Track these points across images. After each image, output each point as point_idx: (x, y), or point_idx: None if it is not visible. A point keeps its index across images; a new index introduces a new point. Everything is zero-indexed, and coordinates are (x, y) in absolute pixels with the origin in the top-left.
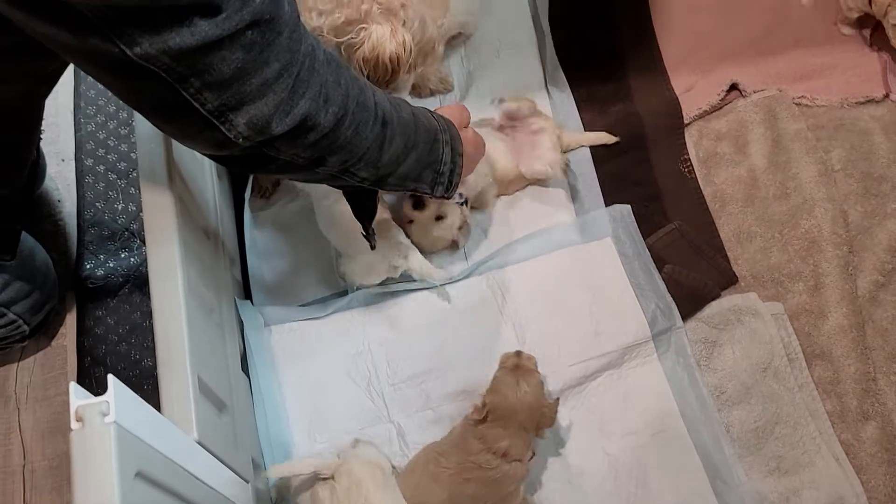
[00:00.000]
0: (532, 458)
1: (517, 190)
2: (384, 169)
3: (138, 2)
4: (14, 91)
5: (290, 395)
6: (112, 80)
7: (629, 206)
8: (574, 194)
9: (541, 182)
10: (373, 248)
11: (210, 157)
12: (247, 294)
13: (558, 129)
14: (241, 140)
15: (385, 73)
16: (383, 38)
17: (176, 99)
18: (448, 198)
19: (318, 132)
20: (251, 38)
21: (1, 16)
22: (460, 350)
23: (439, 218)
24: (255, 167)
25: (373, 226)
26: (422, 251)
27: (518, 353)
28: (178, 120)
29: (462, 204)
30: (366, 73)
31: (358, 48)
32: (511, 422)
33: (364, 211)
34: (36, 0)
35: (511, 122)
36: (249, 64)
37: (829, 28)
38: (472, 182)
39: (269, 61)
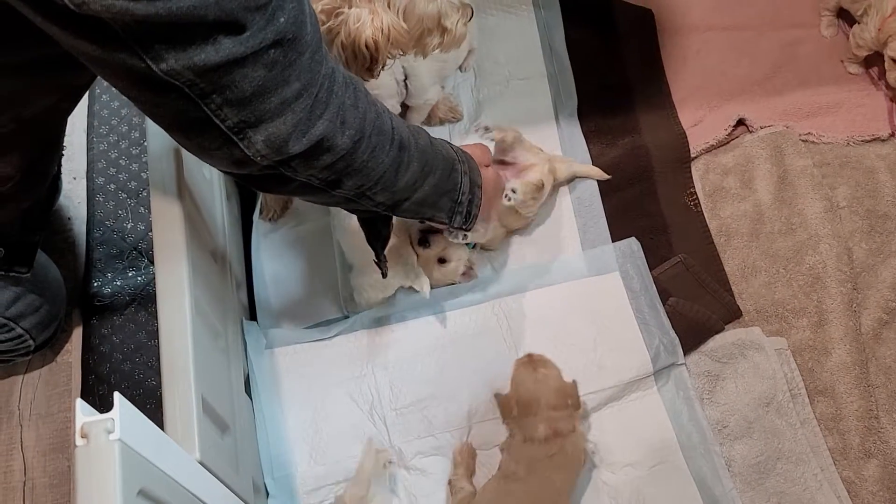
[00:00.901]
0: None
1: (520, 227)
2: (400, 194)
3: (166, 19)
4: (42, 105)
5: (293, 417)
6: (137, 93)
7: (637, 240)
8: (580, 226)
9: (525, 229)
10: (384, 276)
11: (229, 174)
12: (252, 316)
13: (551, 162)
14: (258, 158)
15: (364, 61)
16: (361, 21)
17: (197, 114)
18: (467, 230)
19: (334, 154)
20: (273, 56)
21: (37, 29)
22: (463, 376)
23: (442, 261)
24: (272, 187)
25: (385, 253)
26: None
27: (529, 355)
28: (199, 136)
29: (470, 247)
30: (345, 62)
31: (336, 35)
32: (539, 407)
33: (378, 237)
34: (69, 15)
35: (503, 158)
36: (270, 82)
37: (836, 67)
38: (482, 229)
39: (290, 81)
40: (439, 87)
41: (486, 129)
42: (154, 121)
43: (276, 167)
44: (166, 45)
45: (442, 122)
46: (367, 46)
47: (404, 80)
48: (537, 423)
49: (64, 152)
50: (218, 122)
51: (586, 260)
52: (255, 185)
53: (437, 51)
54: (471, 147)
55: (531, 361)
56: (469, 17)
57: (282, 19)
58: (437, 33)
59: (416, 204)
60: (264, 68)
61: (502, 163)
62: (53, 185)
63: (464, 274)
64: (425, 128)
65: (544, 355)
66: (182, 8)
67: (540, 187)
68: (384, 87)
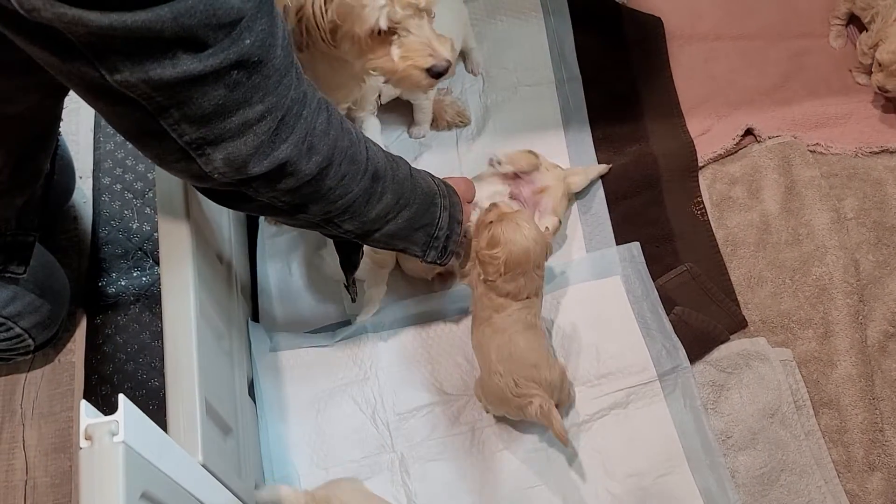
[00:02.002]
0: None
1: None
2: (371, 224)
3: (121, 32)
4: (25, 102)
5: (296, 420)
6: (93, 101)
7: (638, 243)
8: (586, 233)
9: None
10: (353, 300)
11: (193, 186)
12: (256, 319)
13: (565, 175)
14: (216, 175)
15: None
16: None
17: (154, 127)
18: (442, 265)
19: (297, 179)
20: (236, 77)
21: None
22: (467, 382)
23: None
24: (235, 204)
25: (355, 279)
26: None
27: (495, 205)
28: (157, 147)
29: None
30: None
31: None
32: (525, 265)
33: (348, 263)
34: (21, 20)
35: (517, 177)
36: (231, 102)
37: (844, 77)
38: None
39: (253, 103)
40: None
41: (499, 162)
42: (113, 128)
43: (237, 186)
44: (121, 56)
45: (450, 127)
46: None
47: None
48: (521, 285)
49: (61, 151)
50: (175, 136)
51: (588, 264)
52: (217, 200)
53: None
54: (455, 181)
55: (510, 217)
56: None
57: (248, 41)
58: None
59: (387, 235)
60: (225, 88)
61: (516, 176)
62: (48, 183)
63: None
64: (433, 132)
65: (510, 204)
66: (137, 22)
67: (557, 227)
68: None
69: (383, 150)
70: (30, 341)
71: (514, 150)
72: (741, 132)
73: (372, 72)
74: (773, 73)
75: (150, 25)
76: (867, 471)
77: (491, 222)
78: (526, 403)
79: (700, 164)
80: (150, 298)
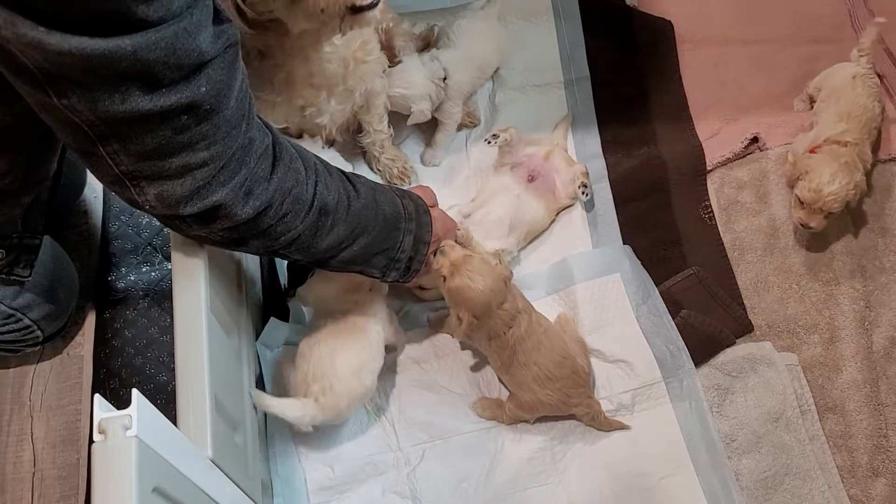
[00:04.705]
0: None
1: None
2: (322, 254)
3: (78, 59)
4: (11, 113)
5: None
6: (39, 112)
7: (629, 247)
8: (594, 236)
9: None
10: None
11: None
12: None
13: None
14: (147, 207)
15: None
16: None
17: (94, 151)
18: (405, 282)
19: (231, 220)
20: (184, 122)
21: None
22: (471, 383)
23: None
24: (173, 229)
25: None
26: None
27: (443, 251)
28: (94, 167)
29: None
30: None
31: None
32: (489, 309)
33: (293, 276)
34: None
35: (520, 160)
36: (175, 145)
37: None
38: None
39: (197, 149)
40: (461, 103)
41: (494, 136)
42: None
43: (168, 219)
44: (72, 83)
45: (460, 128)
46: None
47: (444, 80)
48: (499, 324)
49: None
50: (112, 163)
51: (588, 261)
52: (158, 220)
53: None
54: (416, 189)
55: (459, 271)
56: None
57: (203, 87)
58: None
59: (342, 262)
60: (172, 130)
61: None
62: (55, 183)
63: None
64: None
65: (451, 242)
66: (96, 51)
67: (515, 246)
68: (415, 87)
69: (343, 180)
70: (38, 333)
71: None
72: (750, 137)
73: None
74: (783, 77)
75: (109, 56)
76: (871, 476)
77: (444, 277)
78: (575, 405)
79: (708, 168)
80: (159, 293)
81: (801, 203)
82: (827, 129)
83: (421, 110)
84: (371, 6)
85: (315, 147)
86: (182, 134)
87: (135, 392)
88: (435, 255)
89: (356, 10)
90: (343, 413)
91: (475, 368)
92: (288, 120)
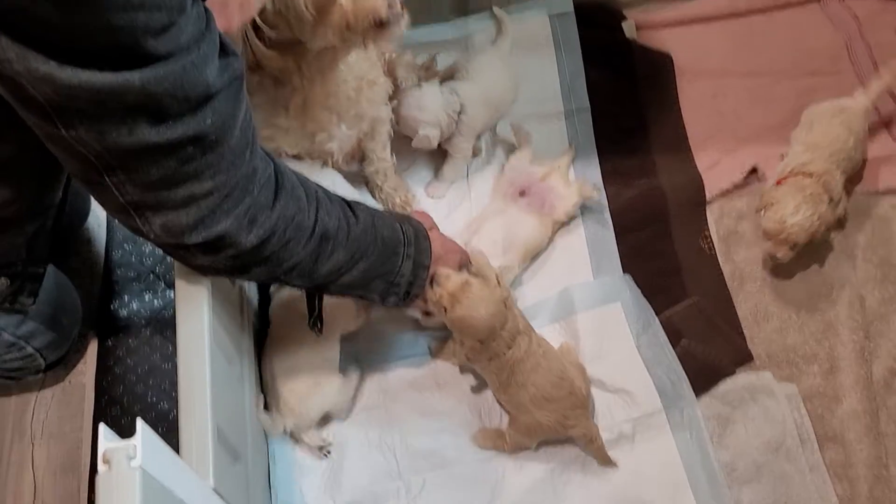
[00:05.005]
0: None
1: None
2: (322, 279)
3: (87, 92)
4: (17, 143)
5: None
6: (46, 141)
7: (630, 276)
8: (594, 265)
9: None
10: (319, 334)
11: None
12: None
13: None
14: (152, 237)
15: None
16: None
17: (100, 181)
18: (405, 306)
19: (236, 249)
20: (190, 152)
21: None
22: (473, 410)
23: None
24: (177, 259)
25: (318, 320)
26: None
27: (439, 281)
28: (99, 196)
29: None
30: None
31: None
32: (492, 333)
33: (311, 305)
34: None
35: (517, 179)
36: (180, 175)
37: None
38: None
39: (202, 179)
40: (473, 139)
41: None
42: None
43: (173, 248)
44: (81, 115)
45: None
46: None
47: (458, 114)
48: (501, 345)
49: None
50: (118, 194)
51: (589, 291)
52: (163, 249)
53: None
54: (414, 214)
55: (459, 300)
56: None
57: (209, 119)
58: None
59: (342, 287)
60: (177, 161)
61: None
62: (60, 212)
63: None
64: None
65: (443, 269)
66: (106, 85)
67: (516, 269)
68: (427, 113)
69: (343, 206)
70: (41, 360)
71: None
72: (749, 168)
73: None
74: (781, 109)
75: (118, 89)
76: None
77: (445, 309)
78: (572, 426)
79: (708, 199)
80: (162, 321)
81: (768, 234)
82: (793, 160)
83: (427, 136)
84: (396, 21)
85: (314, 169)
86: (187, 165)
87: (139, 421)
88: (431, 284)
89: (381, 25)
90: (309, 417)
91: (477, 396)
92: (299, 146)
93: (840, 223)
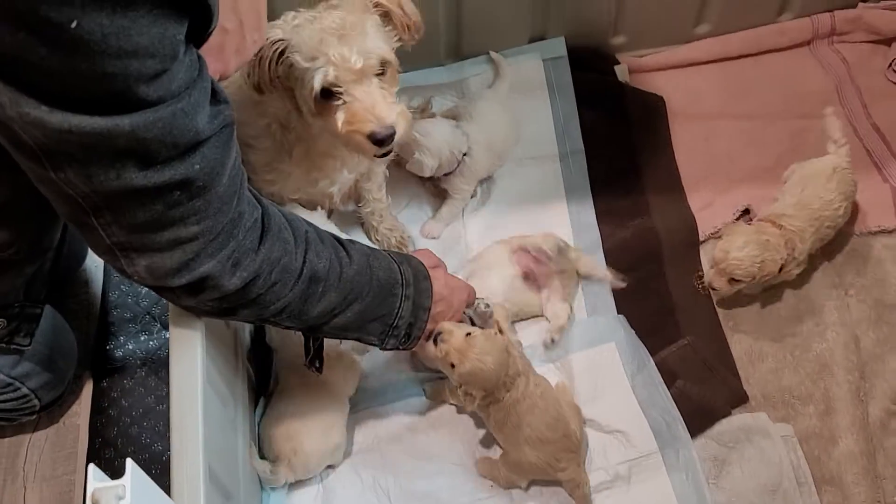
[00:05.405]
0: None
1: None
2: (314, 321)
3: (76, 136)
4: (15, 186)
5: (297, 489)
6: (36, 182)
7: (623, 316)
8: (589, 306)
9: None
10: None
11: None
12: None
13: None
14: (136, 278)
15: None
16: None
17: (87, 221)
18: (406, 349)
19: (219, 291)
20: (177, 197)
21: None
22: (469, 452)
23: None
24: (165, 298)
25: (315, 359)
26: None
27: (442, 338)
28: (86, 235)
29: None
30: None
31: None
32: (498, 381)
33: (307, 346)
34: None
35: (524, 250)
36: (167, 219)
37: None
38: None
39: (188, 223)
40: (474, 183)
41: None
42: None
43: (158, 290)
44: (69, 158)
45: None
46: None
47: (463, 155)
48: (501, 390)
49: None
50: (104, 235)
51: (583, 331)
52: (151, 289)
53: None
54: (417, 253)
55: (463, 352)
56: None
57: (197, 165)
58: None
59: (336, 329)
60: (164, 205)
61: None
62: (58, 253)
63: None
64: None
65: (445, 325)
66: (95, 129)
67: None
68: (431, 141)
69: (335, 247)
70: (35, 402)
71: (539, 235)
72: (741, 208)
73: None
74: (773, 151)
75: (107, 134)
76: None
77: (452, 364)
78: (562, 470)
79: (701, 239)
80: (157, 362)
81: (714, 262)
82: (777, 208)
83: (422, 161)
84: (389, 142)
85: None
86: (174, 209)
87: (129, 462)
88: (435, 342)
89: (376, 142)
90: (313, 470)
91: (472, 438)
92: (301, 191)
93: (795, 280)
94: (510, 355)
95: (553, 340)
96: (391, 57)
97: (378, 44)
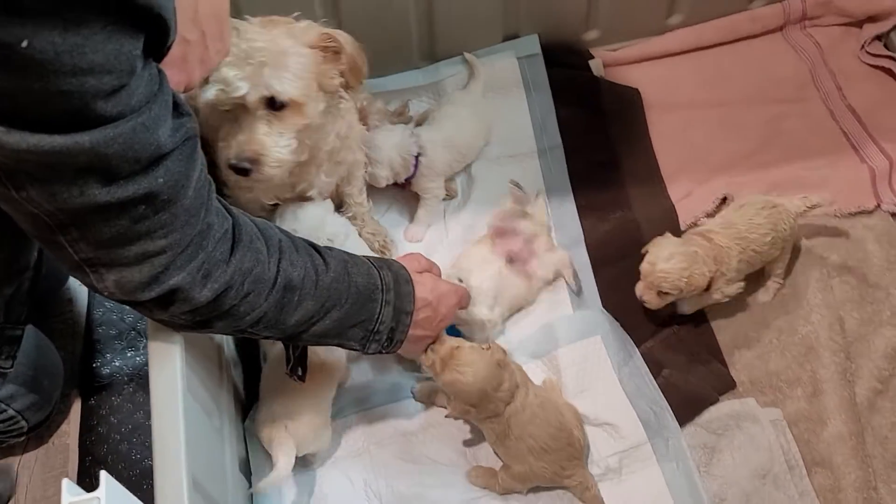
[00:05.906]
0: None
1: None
2: (292, 329)
3: (35, 155)
4: None
5: (288, 495)
6: (2, 205)
7: (609, 309)
8: (573, 299)
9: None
10: (302, 381)
11: None
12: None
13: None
14: (106, 293)
15: None
16: None
17: (54, 239)
18: (389, 353)
19: (190, 304)
20: (142, 212)
21: None
22: (459, 452)
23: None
24: (139, 312)
25: (297, 367)
26: None
27: (434, 346)
28: (54, 252)
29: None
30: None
31: None
32: (487, 395)
33: (288, 354)
34: None
35: (505, 231)
36: (133, 234)
37: (820, 141)
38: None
39: (155, 237)
40: (443, 181)
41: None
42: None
43: (129, 305)
44: (30, 177)
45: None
46: None
47: (416, 156)
48: (499, 405)
49: None
50: (72, 251)
51: (568, 326)
52: (122, 304)
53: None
54: (404, 258)
55: (450, 365)
56: None
57: (160, 179)
58: None
59: (316, 336)
60: (130, 220)
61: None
62: (36, 273)
63: None
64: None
65: (442, 336)
66: (55, 147)
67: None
68: (378, 152)
69: (311, 254)
70: (23, 423)
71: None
72: (721, 197)
73: None
74: (751, 138)
75: (67, 151)
76: None
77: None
78: (568, 476)
79: (682, 229)
80: (144, 378)
81: (640, 275)
82: (711, 224)
83: (375, 174)
84: (246, 174)
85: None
86: (140, 223)
87: (103, 474)
88: (426, 351)
89: (236, 171)
90: (308, 445)
91: (463, 439)
92: (279, 197)
93: (777, 263)
94: (504, 368)
95: (575, 281)
96: (298, 97)
97: (284, 81)
